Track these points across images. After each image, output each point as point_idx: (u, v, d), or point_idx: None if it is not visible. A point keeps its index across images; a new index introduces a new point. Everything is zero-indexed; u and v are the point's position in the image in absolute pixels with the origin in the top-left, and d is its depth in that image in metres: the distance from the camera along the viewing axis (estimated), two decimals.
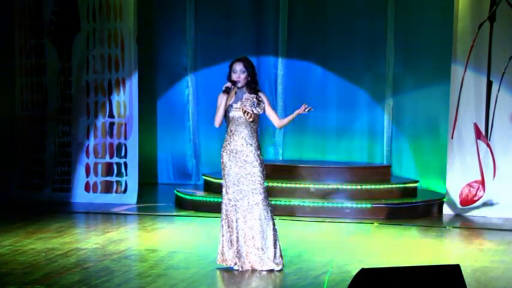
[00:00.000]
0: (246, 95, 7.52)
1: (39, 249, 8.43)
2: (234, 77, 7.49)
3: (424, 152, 12.33)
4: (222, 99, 7.48)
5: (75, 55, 11.71)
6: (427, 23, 12.16)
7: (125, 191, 11.63)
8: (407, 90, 12.44)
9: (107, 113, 11.68)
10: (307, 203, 10.77)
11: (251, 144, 7.49)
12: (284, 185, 11.04)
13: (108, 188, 11.68)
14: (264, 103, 7.55)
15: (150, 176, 13.19)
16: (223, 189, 7.57)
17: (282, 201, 10.79)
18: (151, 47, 13.20)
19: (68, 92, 11.75)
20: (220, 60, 12.23)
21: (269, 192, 10.81)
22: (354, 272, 4.98)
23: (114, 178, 11.68)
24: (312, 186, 10.98)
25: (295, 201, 10.79)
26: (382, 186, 11.05)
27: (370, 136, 12.65)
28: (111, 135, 11.68)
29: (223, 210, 7.55)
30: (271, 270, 7.46)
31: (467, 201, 10.85)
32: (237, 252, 7.46)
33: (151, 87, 13.20)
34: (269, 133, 13.05)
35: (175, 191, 11.60)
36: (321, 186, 10.97)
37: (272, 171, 11.43)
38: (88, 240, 9.00)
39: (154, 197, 12.48)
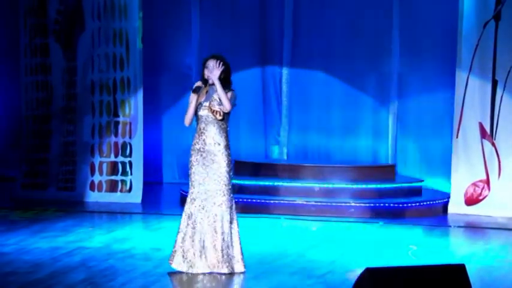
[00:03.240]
0: (216, 94, 7.33)
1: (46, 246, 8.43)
2: (206, 73, 7.38)
3: (429, 151, 12.32)
4: (192, 99, 7.37)
5: (80, 54, 11.72)
6: (432, 22, 12.15)
7: (130, 190, 11.63)
8: (412, 89, 12.42)
9: (112, 112, 11.68)
10: (312, 202, 10.76)
11: (219, 144, 7.32)
12: (288, 184, 11.03)
13: (113, 187, 11.68)
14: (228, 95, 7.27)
15: (155, 175, 13.19)
16: (190, 188, 7.42)
17: (287, 201, 10.79)
18: (157, 46, 13.20)
19: (73, 91, 11.76)
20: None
21: (273, 191, 10.96)
22: (359, 271, 4.97)
23: (119, 177, 11.68)
24: (316, 185, 10.97)
25: (299, 201, 10.79)
26: (386, 186, 11.04)
27: (375, 135, 12.64)
28: (116, 134, 11.69)
29: (186, 209, 7.39)
30: (231, 273, 7.29)
31: (472, 201, 10.84)
32: (199, 251, 7.35)
33: (156, 86, 13.20)
34: (273, 132, 13.05)
35: (180, 190, 11.59)
36: (325, 185, 10.96)
37: (276, 170, 11.45)
38: (93, 239, 9.00)
39: (159, 196, 12.48)
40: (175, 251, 7.40)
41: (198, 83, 7.39)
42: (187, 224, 7.37)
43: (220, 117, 7.28)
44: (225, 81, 7.32)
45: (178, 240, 7.40)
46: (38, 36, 11.80)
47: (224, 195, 7.32)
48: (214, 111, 7.28)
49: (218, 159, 7.32)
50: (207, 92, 7.38)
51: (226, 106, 7.26)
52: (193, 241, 7.34)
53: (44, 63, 11.83)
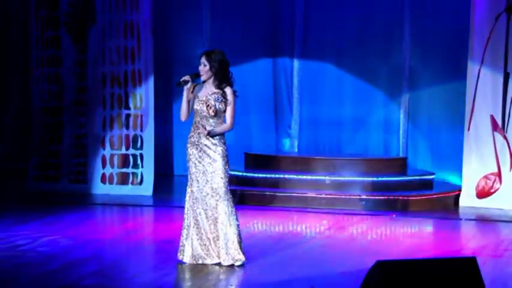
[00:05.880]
0: (213, 89, 7.33)
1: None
2: (199, 68, 7.40)
3: (440, 144, 12.30)
4: (184, 93, 7.36)
5: (91, 47, 11.73)
6: (444, 14, 12.11)
7: (141, 182, 11.64)
8: (423, 82, 12.40)
9: (123, 105, 11.69)
10: (323, 195, 10.76)
11: (214, 138, 7.34)
12: (299, 176, 11.03)
13: (124, 179, 11.70)
14: (228, 100, 7.30)
15: (166, 167, 13.20)
16: (188, 182, 7.47)
17: (297, 193, 10.79)
18: (167, 38, 13.20)
19: (84, 84, 11.77)
20: (236, 52, 12.19)
21: (284, 184, 10.96)
22: (370, 264, 4.97)
23: (130, 170, 11.70)
24: (327, 178, 10.97)
25: (310, 193, 10.78)
26: (398, 179, 11.03)
27: (386, 128, 12.63)
28: (127, 127, 11.70)
29: (186, 204, 7.45)
30: (232, 265, 7.30)
31: (484, 194, 10.82)
32: (204, 245, 7.35)
33: (167, 79, 13.20)
34: (284, 125, 13.04)
35: None
36: (336, 178, 10.95)
37: (287, 163, 11.45)
38: (104, 232, 9.02)
39: (170, 189, 12.49)
40: (183, 245, 7.42)
41: (185, 77, 7.35)
42: (191, 218, 7.39)
43: (212, 113, 7.27)
44: (222, 78, 7.30)
45: (183, 235, 7.42)
46: (49, 28, 11.82)
47: (221, 188, 7.31)
48: (208, 105, 7.27)
49: (213, 154, 7.32)
50: (194, 87, 7.38)
51: (228, 130, 7.34)
52: (197, 234, 7.37)
53: (55, 56, 11.85)
